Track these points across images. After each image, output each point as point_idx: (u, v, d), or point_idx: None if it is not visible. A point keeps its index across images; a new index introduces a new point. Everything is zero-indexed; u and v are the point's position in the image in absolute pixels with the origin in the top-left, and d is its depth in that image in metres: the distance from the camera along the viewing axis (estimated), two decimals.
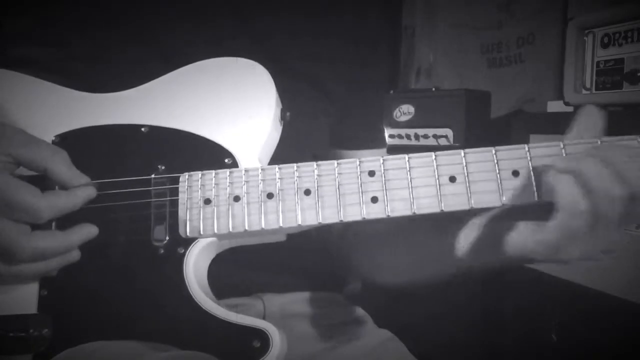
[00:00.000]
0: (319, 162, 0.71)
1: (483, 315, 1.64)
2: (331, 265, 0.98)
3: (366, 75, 0.97)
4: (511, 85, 2.01)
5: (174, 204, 0.73)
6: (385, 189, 0.69)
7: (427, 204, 0.67)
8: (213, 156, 0.75)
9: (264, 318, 0.87)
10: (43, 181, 0.71)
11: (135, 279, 0.74)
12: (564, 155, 0.65)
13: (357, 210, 0.69)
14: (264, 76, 0.78)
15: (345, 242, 0.95)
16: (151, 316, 0.73)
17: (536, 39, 1.96)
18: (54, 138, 0.77)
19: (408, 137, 1.79)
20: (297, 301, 0.94)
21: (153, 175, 0.75)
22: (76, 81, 0.81)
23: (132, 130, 0.78)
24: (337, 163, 0.70)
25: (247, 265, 0.85)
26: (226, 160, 0.75)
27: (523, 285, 1.47)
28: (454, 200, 0.67)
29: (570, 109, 1.48)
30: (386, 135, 1.03)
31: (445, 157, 0.68)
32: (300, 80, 0.89)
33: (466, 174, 0.67)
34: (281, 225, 0.70)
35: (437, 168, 0.68)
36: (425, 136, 1.76)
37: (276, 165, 0.72)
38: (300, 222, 0.70)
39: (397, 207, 0.68)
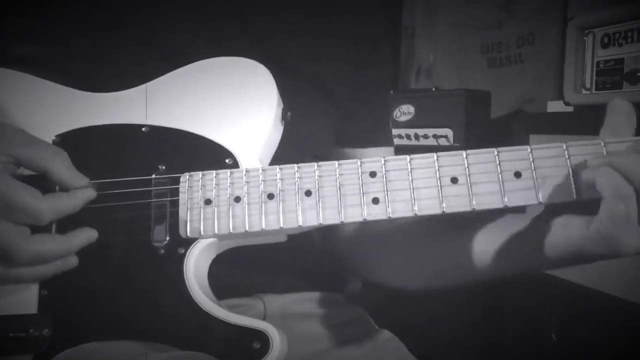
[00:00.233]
0: (320, 163, 0.71)
1: (483, 315, 1.64)
2: (332, 265, 0.98)
3: (367, 75, 0.97)
4: (511, 85, 2.01)
5: (175, 204, 0.73)
6: (387, 190, 0.68)
7: (428, 205, 0.67)
8: (214, 156, 0.75)
9: (264, 318, 0.87)
10: (43, 182, 0.71)
11: (136, 279, 0.74)
12: (567, 156, 0.65)
13: (358, 211, 0.69)
14: (265, 76, 0.78)
15: (350, 242, 0.95)
16: (151, 316, 0.73)
17: (536, 39, 1.96)
18: (54, 138, 0.77)
19: (408, 137, 1.79)
20: (298, 301, 0.93)
21: (154, 176, 0.75)
22: (76, 81, 0.81)
23: (133, 130, 0.78)
24: (338, 164, 0.70)
25: (248, 265, 0.85)
26: (227, 161, 0.75)
27: (523, 285, 1.47)
28: (456, 202, 0.67)
29: (570, 108, 1.48)
30: (392, 132, 1.03)
31: (447, 158, 0.68)
32: (301, 80, 0.89)
33: (468, 175, 0.67)
34: (282, 225, 0.70)
35: (438, 169, 0.67)
36: (425, 136, 1.76)
37: (277, 166, 0.72)
38: (301, 223, 0.70)
39: (398, 208, 0.68)
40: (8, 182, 0.67)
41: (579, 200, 0.64)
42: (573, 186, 0.64)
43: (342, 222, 0.69)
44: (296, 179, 0.71)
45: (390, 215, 0.68)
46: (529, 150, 0.66)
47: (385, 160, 0.69)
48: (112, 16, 0.85)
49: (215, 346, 0.70)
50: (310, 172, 0.71)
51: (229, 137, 0.76)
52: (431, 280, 0.86)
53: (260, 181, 0.72)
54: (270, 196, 0.71)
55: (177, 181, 0.74)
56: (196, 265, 0.73)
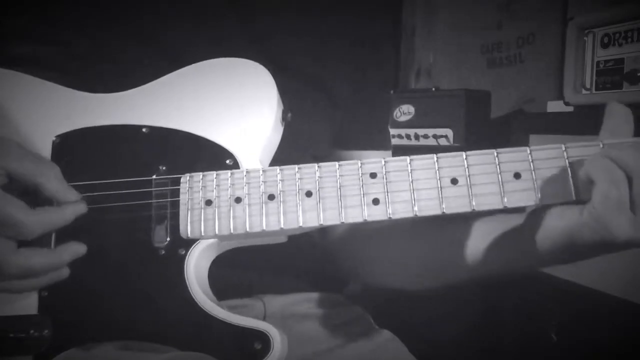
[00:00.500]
0: (320, 164, 0.71)
1: (483, 315, 1.64)
2: (332, 266, 0.98)
3: (367, 75, 0.97)
4: (511, 85, 2.01)
5: (175, 205, 0.73)
6: (387, 191, 0.68)
7: (428, 206, 0.67)
8: (214, 157, 0.75)
9: (264, 319, 0.87)
10: (36, 195, 0.70)
11: (136, 280, 0.74)
12: (566, 157, 0.65)
13: (358, 212, 0.69)
14: (265, 77, 0.78)
15: (342, 243, 0.95)
16: (152, 317, 0.73)
17: (536, 39, 1.95)
18: (54, 138, 0.77)
19: (408, 137, 1.79)
20: (298, 302, 0.94)
21: (154, 176, 0.75)
22: (77, 81, 0.81)
23: (133, 130, 0.78)
24: (339, 165, 0.70)
25: (248, 266, 0.85)
26: (227, 162, 0.75)
27: (523, 285, 1.47)
28: (456, 203, 0.67)
29: (570, 108, 1.48)
30: (390, 135, 1.03)
31: (446, 159, 0.68)
32: (301, 81, 0.89)
33: (468, 176, 0.67)
34: (282, 226, 0.70)
35: (438, 170, 0.68)
36: (425, 136, 1.76)
37: (277, 167, 0.72)
38: (301, 224, 0.70)
39: (399, 208, 0.68)
40: None
41: (578, 200, 0.64)
42: (572, 187, 0.65)
43: (342, 222, 0.69)
44: (297, 179, 0.71)
45: (391, 216, 0.68)
46: (529, 152, 0.66)
47: (385, 161, 0.69)
48: (112, 16, 0.85)
49: (216, 347, 0.70)
50: (310, 173, 0.71)
51: (230, 138, 0.76)
52: (425, 280, 0.86)
53: (261, 182, 0.72)
54: (271, 197, 0.71)
55: (177, 182, 0.74)
56: (197, 266, 0.73)
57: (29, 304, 0.73)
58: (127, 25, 0.85)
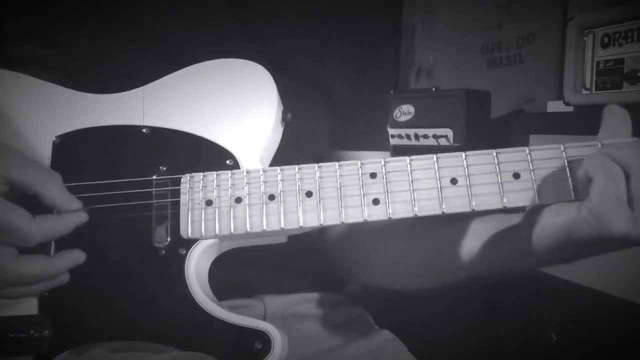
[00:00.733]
0: (321, 164, 0.71)
1: (483, 315, 1.64)
2: (330, 266, 0.98)
3: (368, 75, 0.97)
4: (511, 85, 2.01)
5: (176, 205, 0.73)
6: (387, 191, 0.69)
7: (428, 206, 0.67)
8: (214, 157, 0.75)
9: (264, 319, 0.86)
10: (36, 202, 0.70)
11: (137, 280, 0.74)
12: (565, 157, 0.65)
13: (358, 212, 0.69)
14: (265, 77, 0.78)
15: (337, 244, 0.95)
16: (152, 317, 0.73)
17: (536, 39, 1.96)
18: (55, 139, 0.77)
19: (408, 137, 1.79)
20: (298, 302, 0.94)
21: (154, 177, 0.75)
22: (77, 82, 0.81)
23: (133, 131, 0.78)
24: (339, 165, 0.70)
25: (248, 266, 0.85)
26: (227, 162, 0.75)
27: (523, 285, 1.46)
28: (456, 203, 0.67)
29: (570, 108, 1.48)
30: (389, 136, 1.03)
31: (446, 159, 0.68)
32: (301, 81, 0.90)
33: (467, 176, 0.67)
34: (283, 226, 0.70)
35: (438, 170, 0.68)
36: (425, 136, 1.76)
37: (278, 167, 0.72)
38: (301, 224, 0.70)
39: (399, 208, 0.68)
40: None
41: (577, 200, 0.64)
42: (571, 187, 0.65)
43: (342, 222, 0.69)
44: (297, 180, 0.71)
45: (391, 216, 0.68)
46: (527, 152, 0.66)
47: (385, 162, 0.69)
48: (112, 16, 0.85)
49: (216, 346, 0.70)
50: (310, 173, 0.71)
51: (230, 138, 0.76)
52: (425, 280, 0.86)
53: (261, 182, 0.72)
54: (271, 197, 0.71)
55: (178, 182, 0.74)
56: (197, 266, 0.73)
57: (29, 304, 0.73)
58: (127, 26, 0.85)
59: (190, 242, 0.73)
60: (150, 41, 0.85)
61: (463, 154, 0.68)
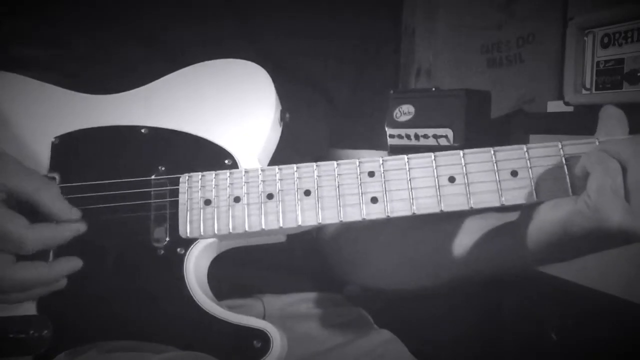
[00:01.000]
0: (319, 163, 0.71)
1: (483, 315, 1.64)
2: (329, 266, 0.98)
3: (367, 75, 0.97)
4: (511, 85, 2.01)
5: (174, 205, 0.74)
6: (385, 190, 0.69)
7: (426, 205, 0.67)
8: (213, 157, 0.75)
9: (263, 319, 0.87)
10: (34, 210, 0.70)
11: (136, 280, 0.74)
12: (563, 154, 0.65)
13: (357, 211, 0.69)
14: (263, 77, 0.78)
15: (333, 244, 0.95)
16: (151, 317, 0.73)
17: (536, 39, 1.95)
18: (54, 139, 0.78)
19: (408, 137, 1.79)
20: (297, 302, 0.94)
21: (153, 177, 0.75)
22: (76, 82, 0.81)
23: (132, 131, 0.78)
24: (337, 164, 0.71)
25: (247, 266, 0.85)
26: (226, 161, 0.75)
27: (523, 285, 1.46)
28: (454, 201, 0.67)
29: (570, 108, 1.48)
30: (387, 135, 1.03)
31: (444, 157, 0.68)
32: (300, 81, 0.90)
33: (465, 175, 0.67)
34: (281, 225, 0.70)
35: (436, 168, 0.68)
36: (425, 136, 1.76)
37: (276, 166, 0.72)
38: (300, 223, 0.70)
39: (397, 207, 0.68)
40: None
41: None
42: (569, 184, 0.65)
43: (341, 221, 0.69)
44: (295, 179, 0.71)
45: (389, 215, 0.68)
46: (525, 150, 0.66)
47: (383, 160, 0.69)
48: (112, 17, 0.85)
49: (216, 346, 0.70)
50: (309, 172, 0.71)
51: (228, 138, 0.76)
52: (423, 279, 0.85)
53: (260, 181, 0.72)
54: (270, 196, 0.71)
55: (176, 182, 0.74)
56: (196, 266, 0.73)
57: (28, 305, 0.73)
58: (127, 26, 0.85)
59: (189, 242, 0.73)
60: (149, 41, 0.85)
61: (461, 152, 0.68)
